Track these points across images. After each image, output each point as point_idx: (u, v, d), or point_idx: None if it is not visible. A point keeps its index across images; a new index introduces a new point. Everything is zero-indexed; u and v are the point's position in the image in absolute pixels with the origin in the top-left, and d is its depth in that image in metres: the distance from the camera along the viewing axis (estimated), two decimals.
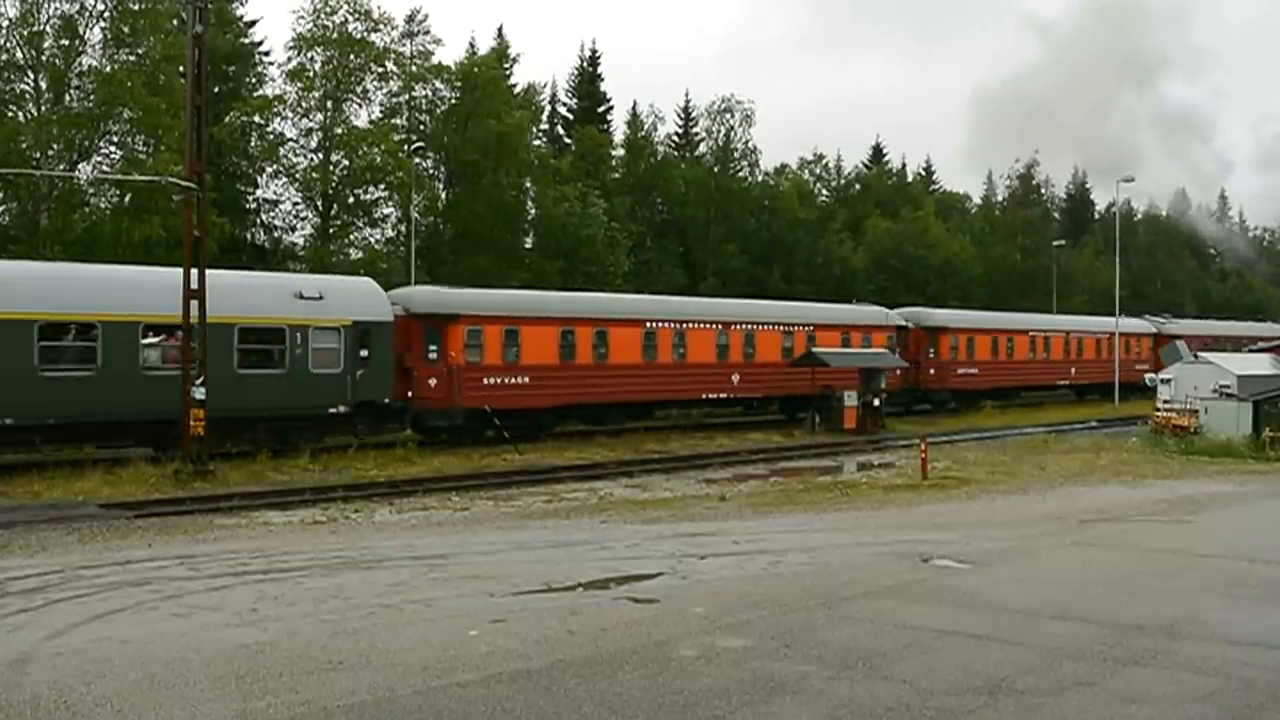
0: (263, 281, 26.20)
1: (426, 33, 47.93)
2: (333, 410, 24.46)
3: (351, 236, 45.60)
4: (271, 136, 43.04)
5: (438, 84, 47.45)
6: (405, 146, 43.39)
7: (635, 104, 63.25)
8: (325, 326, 24.38)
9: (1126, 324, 50.59)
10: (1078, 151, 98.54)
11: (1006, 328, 45.32)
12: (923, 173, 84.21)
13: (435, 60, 47.64)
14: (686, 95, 68.86)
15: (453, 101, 47.23)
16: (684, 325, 32.74)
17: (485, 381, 27.55)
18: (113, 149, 36.49)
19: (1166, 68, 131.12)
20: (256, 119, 42.35)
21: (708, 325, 33.35)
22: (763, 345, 34.53)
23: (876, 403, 33.04)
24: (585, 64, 61.36)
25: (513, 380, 28.06)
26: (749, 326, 34.39)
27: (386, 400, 25.48)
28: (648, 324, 31.77)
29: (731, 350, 33.62)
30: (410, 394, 26.27)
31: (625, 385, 30.37)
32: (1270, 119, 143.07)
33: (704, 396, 33.72)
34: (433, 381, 26.63)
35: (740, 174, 61.14)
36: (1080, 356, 48.72)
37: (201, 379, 20.19)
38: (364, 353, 24.83)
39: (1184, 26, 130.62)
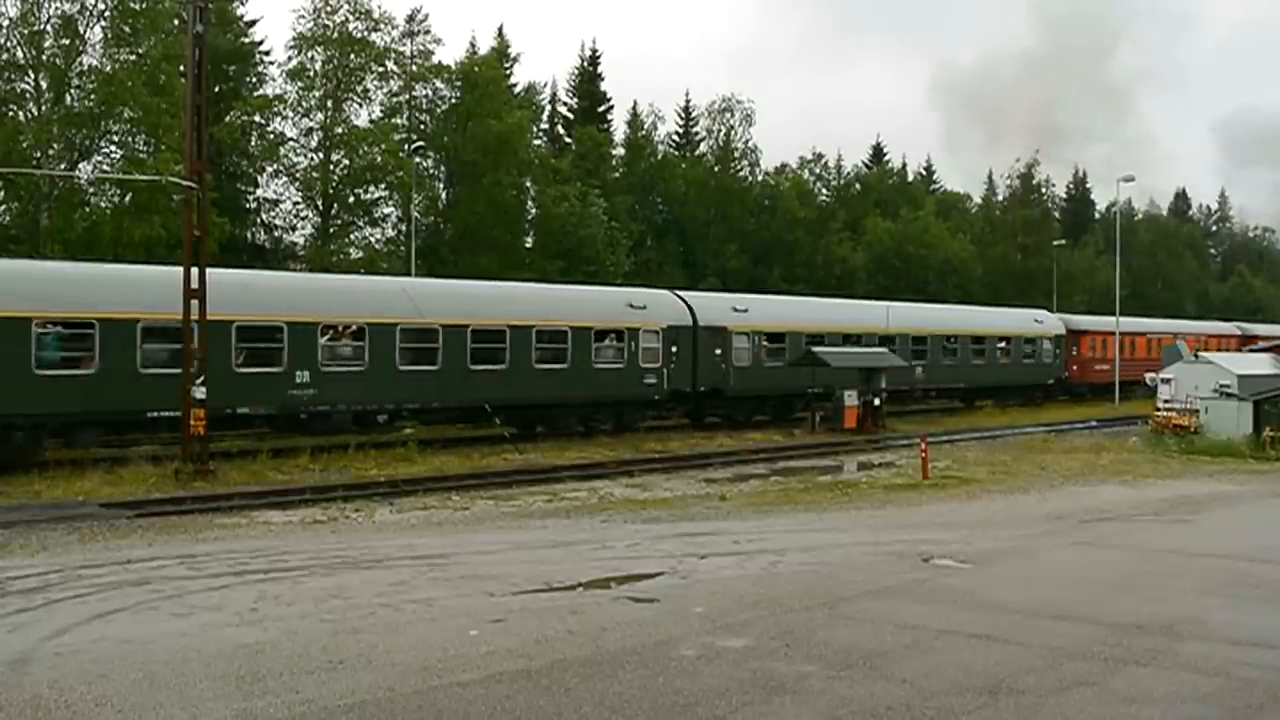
0: (1017, 313, 46.48)
1: (427, 32, 48.11)
2: (1048, 381, 44.94)
3: (352, 236, 45.73)
4: (272, 136, 43.10)
5: (438, 83, 47.54)
6: (405, 146, 43.43)
7: (635, 104, 63.26)
8: (1045, 337, 44.81)
9: None
10: (1037, 133, 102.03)
11: None
12: (923, 173, 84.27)
13: (435, 60, 47.82)
14: (687, 95, 68.90)
15: (453, 101, 47.29)
16: (1145, 336, 50.76)
17: (1095, 368, 47.00)
18: (113, 148, 36.51)
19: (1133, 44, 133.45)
20: (257, 118, 42.41)
21: (1145, 335, 51.26)
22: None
23: (877, 402, 33.03)
24: (585, 64, 61.41)
25: (1102, 368, 47.02)
26: (1161, 337, 50.76)
27: (1061, 378, 45.69)
28: (1132, 336, 49.96)
29: (1154, 351, 48.41)
30: (1064, 375, 46.06)
31: (1126, 371, 47.09)
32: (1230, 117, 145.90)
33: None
34: (1075, 367, 46.51)
35: (740, 173, 61.16)
36: None
37: (201, 379, 20.17)
38: (1056, 350, 45.07)
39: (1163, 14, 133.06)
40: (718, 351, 31.57)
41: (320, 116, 43.13)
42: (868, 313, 38.58)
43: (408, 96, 47.09)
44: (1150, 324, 54.37)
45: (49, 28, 34.09)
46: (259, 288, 24.48)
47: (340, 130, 42.84)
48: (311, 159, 43.42)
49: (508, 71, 51.96)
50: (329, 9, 42.76)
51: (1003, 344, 42.62)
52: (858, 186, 72.59)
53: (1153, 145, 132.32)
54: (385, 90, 45.75)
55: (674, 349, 30.22)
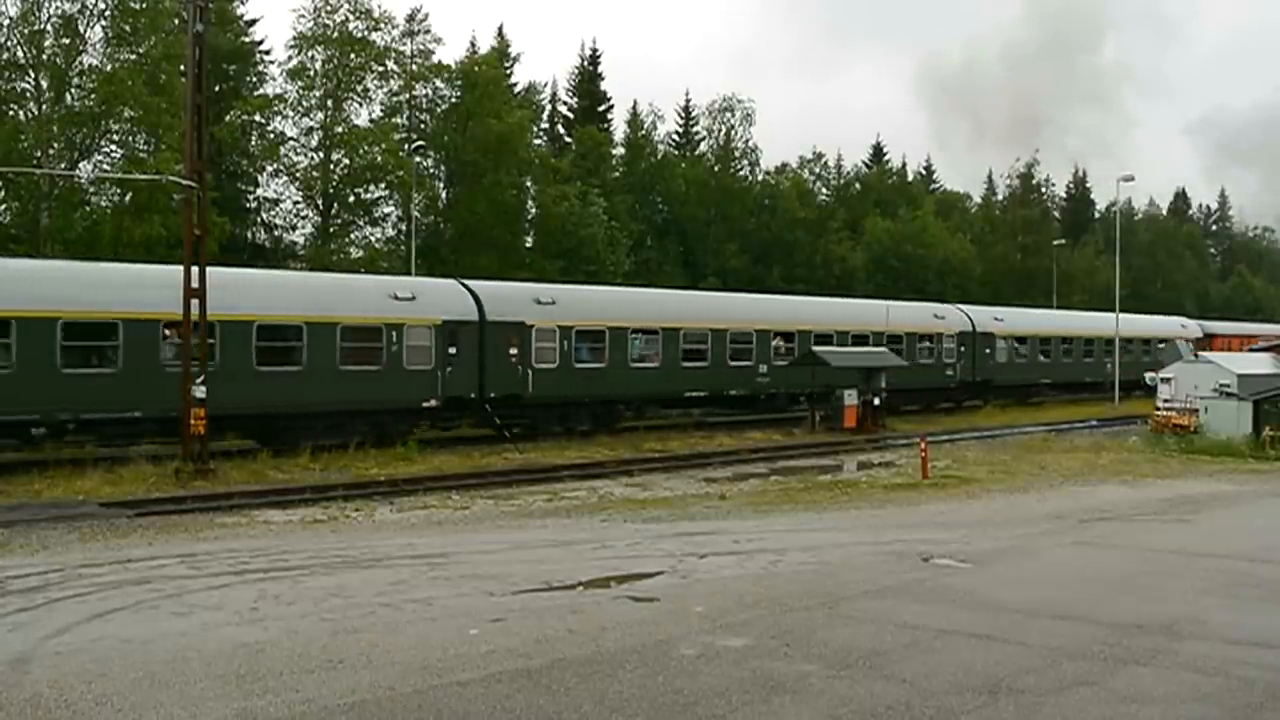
0: (1168, 320, 55.30)
1: (427, 32, 48.15)
2: None
3: (352, 235, 45.73)
4: (272, 135, 43.11)
5: (438, 83, 47.54)
6: (406, 145, 43.42)
7: (635, 104, 63.16)
8: (1186, 338, 49.67)
9: None
10: (1019, 126, 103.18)
11: None
12: (922, 172, 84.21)
13: (436, 59, 47.82)
14: (687, 94, 68.95)
15: (453, 100, 47.27)
16: (1257, 338, 52.48)
17: None
18: (113, 148, 36.53)
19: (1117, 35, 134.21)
20: (257, 118, 42.40)
21: (1257, 337, 52.51)
22: None
23: (876, 402, 33.03)
24: (585, 63, 61.40)
25: None
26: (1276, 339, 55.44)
27: None
28: (1252, 337, 51.97)
29: None
30: None
31: None
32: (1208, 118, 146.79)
33: None
34: None
35: (740, 173, 61.16)
36: None
37: (202, 378, 20.17)
38: (1195, 351, 46.30)
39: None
40: (987, 351, 41.73)
41: (320, 116, 43.16)
42: (1083, 321, 49.29)
43: (408, 96, 47.11)
44: (1265, 329, 61.12)
45: (49, 27, 34.11)
46: (738, 305, 35.28)
47: (340, 130, 42.86)
48: (311, 158, 43.46)
49: (508, 71, 51.97)
50: (329, 8, 42.81)
51: (1163, 345, 50.50)
52: (857, 186, 72.57)
53: (1134, 142, 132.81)
54: (385, 90, 45.82)
55: (962, 349, 40.31)
